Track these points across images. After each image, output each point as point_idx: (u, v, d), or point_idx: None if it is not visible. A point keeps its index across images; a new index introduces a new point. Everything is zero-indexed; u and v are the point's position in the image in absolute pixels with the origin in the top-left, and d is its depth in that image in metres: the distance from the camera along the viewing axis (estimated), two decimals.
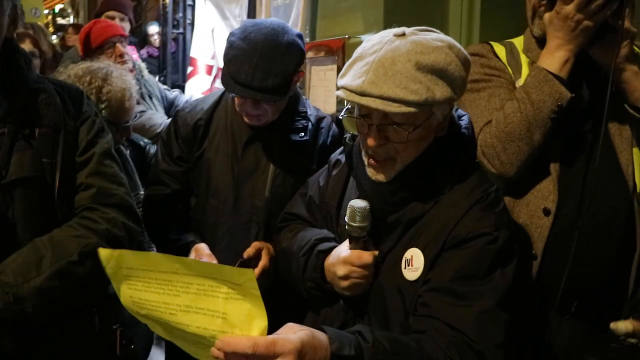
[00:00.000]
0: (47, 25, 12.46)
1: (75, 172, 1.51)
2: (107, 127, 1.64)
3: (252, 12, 3.33)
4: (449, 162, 1.39)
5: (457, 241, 1.31)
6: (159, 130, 3.08)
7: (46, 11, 12.35)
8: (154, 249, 2.33)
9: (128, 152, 2.43)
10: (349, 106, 1.39)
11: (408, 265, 1.35)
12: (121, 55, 3.27)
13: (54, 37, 8.92)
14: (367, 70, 1.27)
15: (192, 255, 1.90)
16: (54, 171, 1.45)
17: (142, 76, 3.48)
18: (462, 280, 1.28)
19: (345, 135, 1.55)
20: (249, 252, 1.85)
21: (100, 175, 1.53)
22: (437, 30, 1.37)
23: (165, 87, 3.83)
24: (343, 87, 1.32)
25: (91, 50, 3.28)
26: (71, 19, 12.03)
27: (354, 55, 1.36)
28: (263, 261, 1.87)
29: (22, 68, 1.47)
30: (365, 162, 1.41)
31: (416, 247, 1.35)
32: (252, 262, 1.86)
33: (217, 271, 1.06)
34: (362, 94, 1.26)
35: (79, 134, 1.54)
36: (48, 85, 1.51)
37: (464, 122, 1.45)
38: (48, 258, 1.37)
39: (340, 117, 1.41)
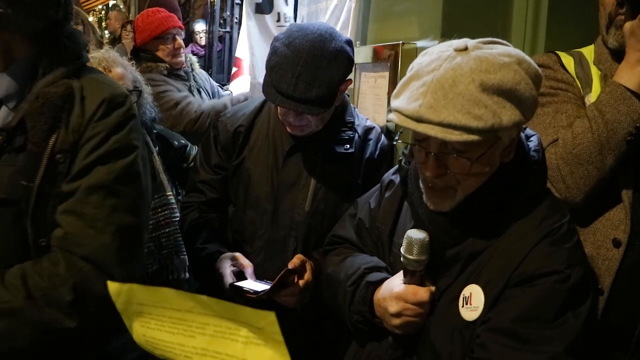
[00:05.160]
0: (100, 20, 12.79)
1: (59, 202, 1.24)
2: (128, 150, 1.30)
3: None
4: (516, 190, 1.26)
5: (523, 278, 1.20)
6: (192, 116, 3.11)
7: (100, 6, 12.66)
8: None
9: (157, 148, 2.37)
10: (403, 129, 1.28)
11: (466, 304, 1.24)
12: (178, 48, 3.33)
13: (106, 32, 9.14)
14: (424, 92, 1.14)
15: (224, 261, 1.81)
16: (29, 198, 1.20)
17: (193, 69, 3.49)
18: (527, 322, 1.17)
19: (400, 158, 1.44)
20: (294, 262, 1.76)
21: (77, 215, 1.22)
22: (504, 42, 1.24)
23: (218, 84, 3.85)
24: (397, 111, 1.20)
25: (148, 40, 3.31)
26: None
27: (409, 72, 1.23)
28: (307, 275, 1.78)
29: (54, 58, 1.26)
30: (423, 190, 1.30)
31: (476, 284, 1.24)
32: (295, 274, 1.77)
33: (235, 312, 0.96)
34: (419, 119, 1.14)
35: (77, 155, 1.25)
36: (72, 84, 1.26)
37: (533, 143, 1.32)
38: None
39: (394, 143, 1.29)
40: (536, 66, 1.20)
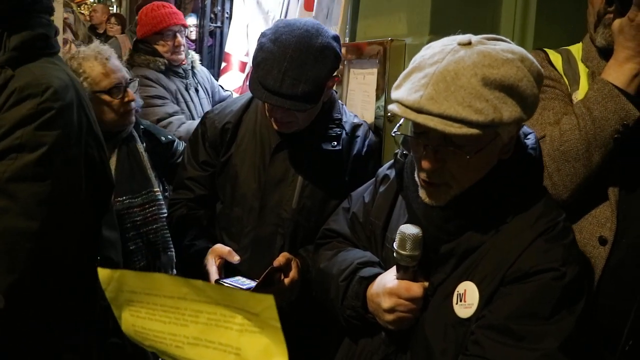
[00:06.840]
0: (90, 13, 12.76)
1: None
2: (34, 147, 1.17)
3: None
4: (513, 187, 1.26)
5: (518, 275, 1.20)
6: (164, 123, 3.02)
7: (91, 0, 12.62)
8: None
9: (144, 144, 2.36)
10: (402, 122, 1.27)
11: (460, 301, 1.24)
12: (178, 46, 3.30)
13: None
14: (425, 83, 1.14)
15: (210, 258, 1.80)
16: None
17: (193, 67, 3.46)
18: (522, 319, 1.17)
19: (396, 151, 1.43)
20: (279, 260, 1.75)
21: None
22: (508, 40, 1.24)
23: (220, 84, 3.82)
24: (397, 101, 1.19)
25: (149, 34, 3.28)
26: (114, 9, 12.21)
27: (412, 64, 1.23)
28: (293, 273, 1.77)
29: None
30: (419, 183, 1.29)
31: (471, 280, 1.24)
32: (281, 272, 1.76)
33: (231, 297, 0.94)
34: (419, 110, 1.13)
35: None
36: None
37: (530, 141, 1.32)
38: None
39: (393, 134, 1.28)
40: (538, 65, 1.20)
